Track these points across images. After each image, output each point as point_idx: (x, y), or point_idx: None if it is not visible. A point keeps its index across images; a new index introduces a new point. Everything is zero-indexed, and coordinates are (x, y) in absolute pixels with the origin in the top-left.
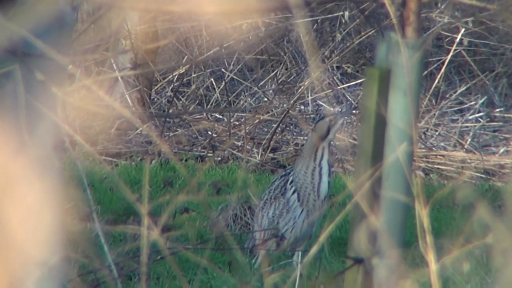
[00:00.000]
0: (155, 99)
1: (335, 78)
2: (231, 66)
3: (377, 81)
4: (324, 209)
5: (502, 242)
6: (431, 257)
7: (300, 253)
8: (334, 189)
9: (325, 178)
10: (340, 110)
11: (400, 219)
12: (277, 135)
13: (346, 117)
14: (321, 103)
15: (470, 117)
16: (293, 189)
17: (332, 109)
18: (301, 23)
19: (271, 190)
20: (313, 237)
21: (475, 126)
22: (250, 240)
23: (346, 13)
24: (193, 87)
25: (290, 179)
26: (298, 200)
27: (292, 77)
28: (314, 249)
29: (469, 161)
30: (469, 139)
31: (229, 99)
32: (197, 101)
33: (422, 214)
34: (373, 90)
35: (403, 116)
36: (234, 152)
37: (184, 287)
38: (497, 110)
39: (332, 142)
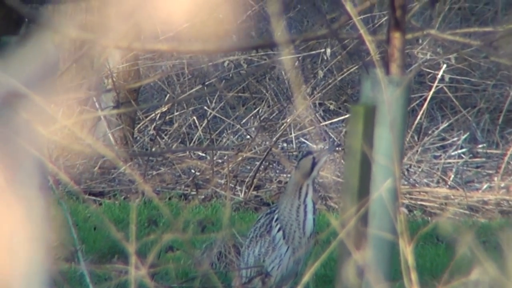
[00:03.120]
0: (138, 138)
1: (317, 115)
2: (213, 104)
3: (362, 118)
4: (310, 247)
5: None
6: None
7: None
8: (318, 227)
9: (310, 216)
10: (323, 147)
11: (387, 256)
12: (260, 172)
13: (329, 154)
14: (304, 140)
15: (453, 153)
16: (278, 226)
17: (315, 146)
18: (286, 59)
19: (256, 228)
20: (299, 274)
21: (458, 162)
22: (237, 278)
23: (328, 50)
24: (176, 125)
25: (275, 216)
26: (284, 238)
27: (274, 114)
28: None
29: (452, 197)
30: (452, 175)
31: (212, 137)
32: (180, 140)
33: (407, 251)
34: (358, 127)
35: (388, 153)
36: (218, 190)
37: None
38: (480, 146)
39: (316, 180)
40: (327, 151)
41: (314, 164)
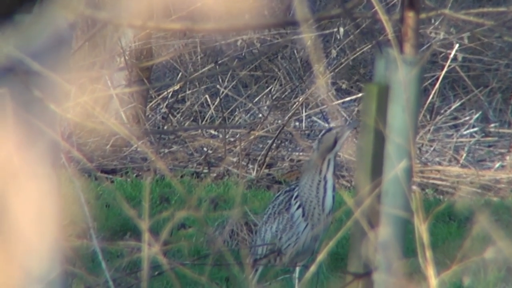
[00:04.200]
0: (150, 116)
1: (330, 94)
2: (226, 83)
3: (376, 97)
4: (328, 223)
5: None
6: (430, 272)
7: (298, 269)
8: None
9: (329, 192)
10: (342, 124)
11: (400, 234)
12: (272, 151)
13: (352, 129)
14: (316, 119)
15: (465, 133)
16: (297, 204)
17: (328, 125)
18: (305, 37)
19: (275, 205)
20: (315, 252)
21: (470, 141)
22: (251, 254)
23: (341, 29)
24: (188, 103)
25: (295, 194)
26: (303, 215)
27: (286, 93)
28: (313, 267)
29: (464, 176)
30: (464, 154)
31: (224, 115)
32: (192, 118)
33: (421, 229)
34: (371, 106)
35: (402, 132)
36: (230, 168)
37: None
38: (492, 125)
39: (337, 155)
40: (349, 126)
41: (337, 138)
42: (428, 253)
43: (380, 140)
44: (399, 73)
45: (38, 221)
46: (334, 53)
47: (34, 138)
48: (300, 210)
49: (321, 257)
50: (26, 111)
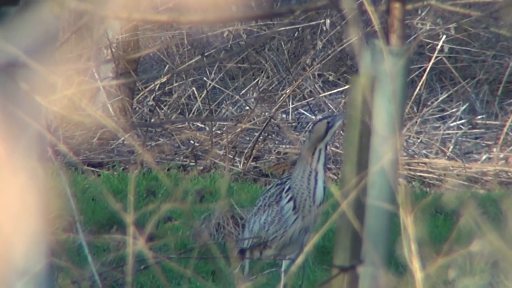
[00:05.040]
0: (137, 109)
1: (316, 86)
2: (213, 75)
3: (362, 88)
4: (318, 215)
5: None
6: (416, 265)
7: (285, 262)
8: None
9: (320, 183)
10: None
11: (385, 227)
12: (259, 143)
13: (343, 119)
14: (303, 111)
15: (452, 124)
16: (288, 197)
17: (314, 117)
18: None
19: (266, 197)
20: (304, 244)
21: (457, 133)
22: (237, 245)
23: (327, 21)
24: (175, 96)
25: (286, 187)
26: (294, 208)
27: (273, 85)
28: (299, 260)
29: (451, 168)
30: (451, 147)
31: (211, 108)
32: (179, 110)
33: (407, 222)
34: (357, 97)
35: (388, 124)
36: (217, 161)
37: None
38: (479, 117)
39: (328, 145)
40: (340, 116)
41: (328, 128)
42: (414, 246)
43: (366, 132)
44: (386, 64)
45: (23, 214)
46: (320, 44)
47: (20, 131)
48: (291, 203)
49: (307, 250)
50: (12, 103)
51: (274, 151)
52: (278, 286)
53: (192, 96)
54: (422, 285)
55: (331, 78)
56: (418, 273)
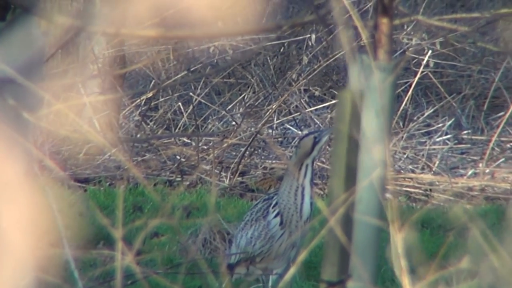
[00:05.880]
0: (123, 124)
1: (302, 101)
2: (199, 90)
3: (350, 103)
4: (306, 231)
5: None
6: (405, 281)
7: (272, 278)
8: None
9: (307, 199)
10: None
11: (373, 243)
12: (246, 159)
13: (330, 135)
14: (289, 126)
15: (438, 140)
16: (275, 212)
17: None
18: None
19: (253, 212)
20: (292, 260)
21: (443, 148)
22: (225, 259)
23: (313, 36)
24: (161, 111)
25: (273, 202)
26: (281, 223)
27: (259, 100)
28: (288, 275)
29: (437, 183)
30: (437, 162)
31: (197, 123)
32: (165, 126)
33: (397, 238)
34: (345, 112)
35: (376, 139)
36: (203, 176)
37: None
38: (465, 132)
39: (315, 161)
40: (327, 131)
41: (315, 143)
42: (403, 263)
43: (354, 148)
44: (374, 79)
45: (9, 229)
46: (306, 59)
47: (8, 146)
48: (278, 218)
49: (295, 266)
50: None
51: (261, 166)
52: None
53: (178, 111)
54: None
55: (317, 93)
56: None
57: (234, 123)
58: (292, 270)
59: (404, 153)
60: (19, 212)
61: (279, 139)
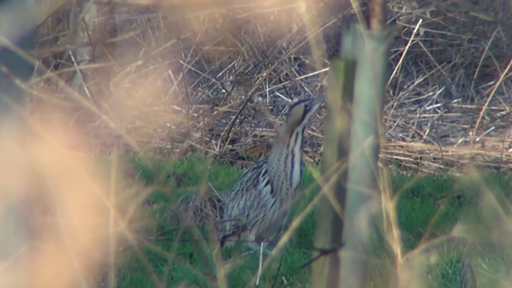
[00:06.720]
0: (113, 91)
1: (292, 69)
2: (189, 58)
3: (343, 73)
4: (296, 198)
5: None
6: (397, 250)
7: (263, 244)
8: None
9: (297, 166)
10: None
11: (366, 211)
12: (236, 126)
13: (321, 103)
14: (279, 94)
15: (428, 108)
16: (265, 181)
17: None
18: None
19: (243, 182)
20: (283, 228)
21: (433, 117)
22: (220, 231)
23: (304, 4)
24: (151, 79)
25: (263, 171)
26: (272, 191)
27: (249, 69)
28: (281, 242)
29: (427, 151)
30: (427, 130)
31: (187, 90)
32: (155, 93)
33: (389, 207)
34: (338, 82)
35: (368, 108)
36: (193, 144)
37: (146, 279)
38: (455, 100)
39: (306, 129)
40: (318, 99)
41: (306, 112)
42: (395, 231)
43: (347, 116)
44: (367, 48)
45: (3, 196)
46: (295, 28)
47: (2, 114)
48: (269, 186)
49: (288, 233)
50: None
51: (251, 134)
52: (256, 269)
53: (168, 79)
54: (404, 270)
55: (307, 61)
56: (399, 258)
57: (224, 91)
58: (284, 238)
59: (395, 122)
60: (13, 179)
61: (270, 107)
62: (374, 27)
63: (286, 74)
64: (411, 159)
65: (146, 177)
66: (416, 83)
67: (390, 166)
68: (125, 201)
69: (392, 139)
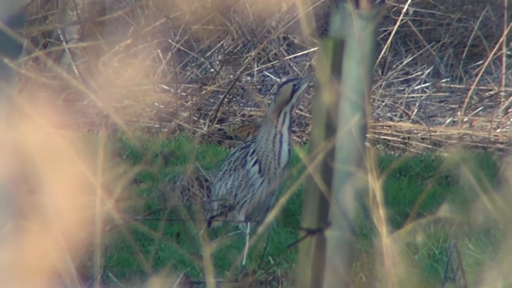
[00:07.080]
0: (102, 70)
1: (281, 48)
2: (178, 37)
3: (331, 52)
4: (284, 178)
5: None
6: (384, 230)
7: (250, 224)
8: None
9: (285, 146)
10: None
11: (352, 191)
12: (224, 106)
13: (310, 82)
14: (268, 74)
15: (416, 88)
16: (253, 160)
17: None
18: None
19: (230, 162)
20: (271, 207)
21: (421, 96)
22: (208, 211)
23: None
24: (140, 58)
25: (251, 150)
26: (260, 171)
27: (238, 48)
28: (267, 221)
29: (415, 131)
30: (416, 110)
31: (176, 70)
32: (144, 73)
33: (375, 186)
34: (326, 61)
35: (356, 87)
36: (181, 123)
37: (133, 258)
38: (443, 80)
39: (294, 108)
40: (307, 79)
41: (294, 91)
42: (382, 211)
43: (334, 96)
44: (355, 28)
45: None
46: (285, 7)
47: None
48: (257, 166)
49: (274, 213)
50: None
51: (239, 113)
52: (243, 248)
53: (157, 58)
54: (390, 249)
55: (296, 40)
56: (385, 237)
57: (213, 70)
58: (271, 216)
59: (383, 101)
60: (2, 158)
61: (258, 86)
62: (362, 6)
63: (275, 54)
64: (399, 139)
65: (133, 156)
66: (404, 62)
67: (377, 146)
68: (112, 181)
69: (380, 118)
